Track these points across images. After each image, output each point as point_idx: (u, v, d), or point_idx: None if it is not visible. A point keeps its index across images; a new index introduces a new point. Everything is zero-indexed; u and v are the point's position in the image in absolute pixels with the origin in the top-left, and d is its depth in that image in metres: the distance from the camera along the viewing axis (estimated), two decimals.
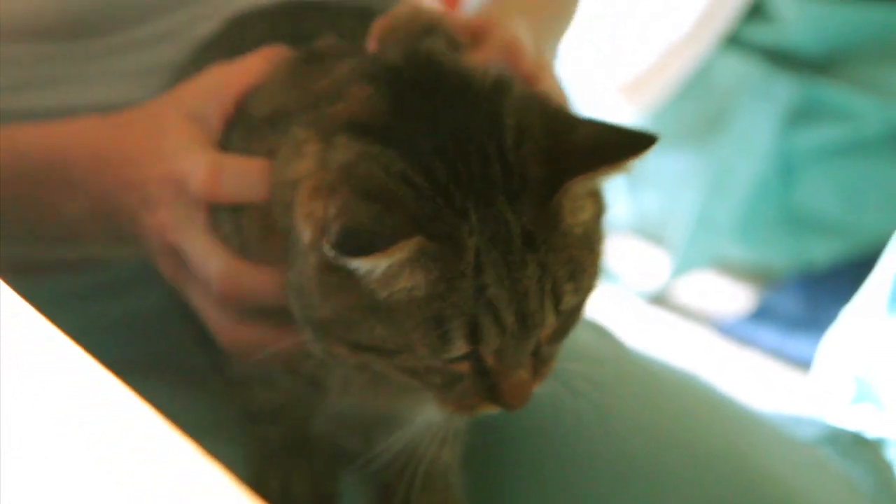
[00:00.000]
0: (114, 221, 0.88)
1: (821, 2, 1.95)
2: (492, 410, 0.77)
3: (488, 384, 0.74)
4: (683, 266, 2.10)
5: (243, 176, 0.81)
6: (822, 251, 2.08)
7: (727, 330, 2.03)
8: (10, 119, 0.98)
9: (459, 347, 0.71)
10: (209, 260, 0.82)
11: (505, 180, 0.70)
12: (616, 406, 0.98)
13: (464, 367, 0.73)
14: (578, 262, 0.72)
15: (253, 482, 0.88)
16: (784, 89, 1.99)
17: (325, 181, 0.72)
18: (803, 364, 1.83)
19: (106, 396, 0.60)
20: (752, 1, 1.97)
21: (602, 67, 2.13)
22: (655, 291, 2.13)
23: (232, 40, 0.99)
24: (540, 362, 0.75)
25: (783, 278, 2.12)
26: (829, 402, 1.56)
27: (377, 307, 0.71)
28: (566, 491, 0.96)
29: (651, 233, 2.24)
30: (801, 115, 2.02)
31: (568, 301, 0.72)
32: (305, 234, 0.73)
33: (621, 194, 2.24)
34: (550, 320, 0.72)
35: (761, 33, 2.00)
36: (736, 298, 2.12)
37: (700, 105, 2.07)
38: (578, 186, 0.71)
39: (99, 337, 0.80)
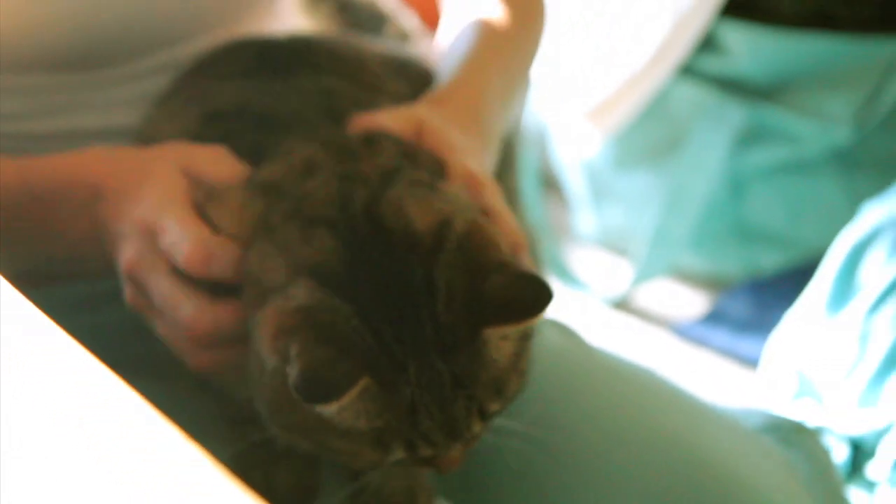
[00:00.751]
0: (105, 247, 0.89)
1: (766, 35, 1.99)
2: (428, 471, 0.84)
3: (426, 461, 0.80)
4: (643, 274, 2.11)
5: (225, 260, 0.83)
6: (769, 259, 2.11)
7: (683, 332, 2.06)
8: (24, 141, 1.02)
9: (399, 454, 0.78)
10: (179, 304, 0.84)
11: (436, 338, 0.76)
12: (574, 400, 1.02)
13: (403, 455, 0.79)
14: (503, 382, 0.78)
15: (236, 474, 0.91)
16: (734, 114, 2.03)
17: (287, 323, 0.77)
18: (752, 362, 1.87)
19: (106, 396, 0.59)
20: (705, 34, 2.01)
21: (569, 95, 2.17)
22: (618, 297, 2.15)
23: (212, 70, 1.01)
24: (472, 439, 0.80)
25: (734, 284, 2.15)
26: (773, 397, 1.61)
27: (331, 425, 0.77)
28: (522, 483, 0.98)
29: (615, 244, 2.27)
30: (750, 138, 2.05)
31: (493, 409, 0.79)
32: (270, 361, 0.77)
33: (588, 209, 2.28)
34: (477, 429, 0.78)
35: (713, 64, 2.04)
36: (691, 303, 2.15)
37: (658, 129, 2.10)
38: (492, 334, 0.76)
39: (93, 342, 0.82)
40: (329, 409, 0.75)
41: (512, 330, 0.77)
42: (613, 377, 1.07)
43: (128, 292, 0.88)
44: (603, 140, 2.16)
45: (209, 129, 0.96)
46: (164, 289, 0.85)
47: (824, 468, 1.07)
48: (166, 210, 0.85)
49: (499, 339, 0.77)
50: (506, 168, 1.10)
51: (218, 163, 0.88)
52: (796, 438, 1.09)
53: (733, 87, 2.05)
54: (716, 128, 2.04)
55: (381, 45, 1.13)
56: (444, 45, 1.11)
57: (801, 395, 1.60)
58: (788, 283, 1.76)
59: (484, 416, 0.79)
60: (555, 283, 2.09)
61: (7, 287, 0.68)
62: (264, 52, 1.02)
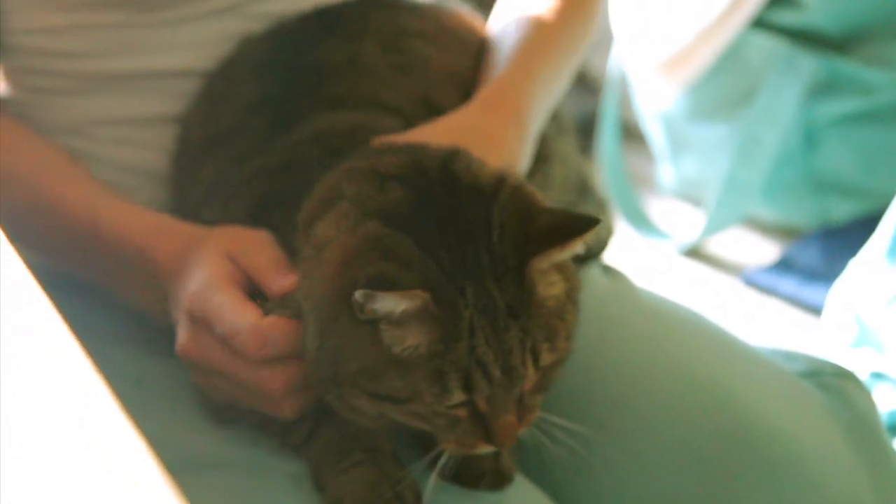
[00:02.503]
0: (166, 316, 0.94)
1: None
2: (485, 449, 0.84)
3: (482, 426, 0.82)
4: (715, 223, 2.12)
5: (281, 339, 0.86)
6: (841, 209, 2.11)
7: (751, 279, 2.07)
8: (90, 81, 1.05)
9: (457, 396, 0.80)
10: (239, 371, 0.87)
11: (492, 267, 0.81)
12: (613, 342, 1.04)
13: (462, 412, 0.82)
14: (552, 328, 0.82)
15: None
16: (807, 65, 2.02)
17: (352, 251, 0.82)
18: (818, 311, 1.85)
19: (106, 397, 0.60)
20: None
21: (645, 47, 2.17)
22: (691, 245, 2.17)
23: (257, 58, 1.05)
24: (524, 409, 0.83)
25: (805, 233, 2.15)
26: (833, 345, 1.62)
27: (393, 360, 0.80)
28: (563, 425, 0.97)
29: (692, 195, 2.29)
30: (823, 89, 2.04)
31: (545, 358, 0.82)
32: (332, 302, 0.82)
33: (667, 160, 2.30)
34: (531, 373, 0.82)
35: (786, 15, 2.03)
36: (763, 252, 2.15)
37: (732, 80, 2.10)
38: (540, 264, 0.82)
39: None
40: (393, 310, 0.78)
41: (557, 257, 0.82)
42: (655, 320, 1.09)
43: (192, 374, 0.93)
44: (678, 92, 2.17)
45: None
46: (241, 373, 0.88)
47: (864, 414, 1.06)
48: (213, 296, 0.88)
49: (546, 277, 0.83)
50: (557, 133, 1.14)
51: (261, 249, 0.91)
52: (837, 383, 1.09)
53: (806, 38, 2.04)
54: (788, 79, 2.03)
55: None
56: (495, 30, 1.13)
57: (861, 343, 1.61)
58: (859, 232, 1.72)
59: (536, 359, 0.82)
60: (630, 233, 2.14)
61: (6, 288, 0.68)
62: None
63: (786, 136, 2.07)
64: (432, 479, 0.87)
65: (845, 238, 1.89)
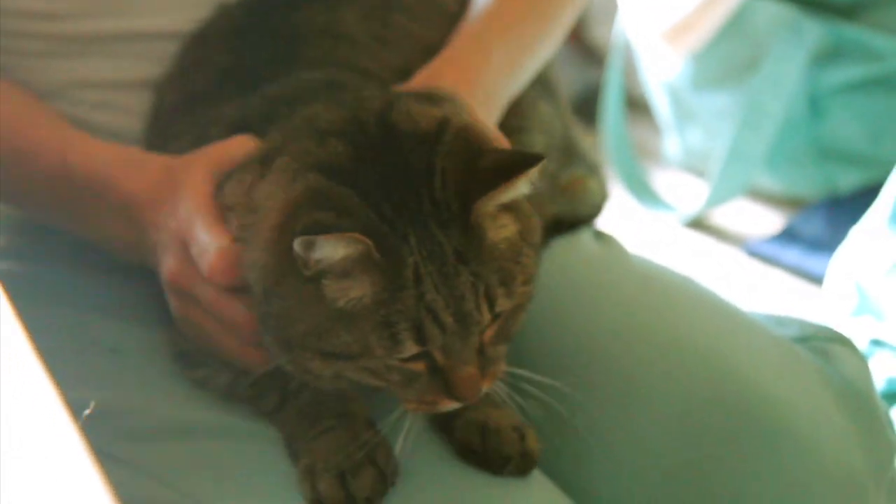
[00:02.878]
0: (144, 253, 0.94)
1: None
2: (448, 406, 0.83)
3: (442, 380, 0.81)
4: (719, 192, 2.11)
5: (242, 266, 0.86)
6: (847, 178, 2.10)
7: (754, 250, 2.06)
8: (70, 44, 1.04)
9: (409, 347, 0.79)
10: (225, 307, 0.87)
11: (436, 212, 0.80)
12: (604, 307, 1.03)
13: (419, 366, 0.81)
14: (507, 272, 0.81)
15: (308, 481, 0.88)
16: (812, 32, 2.01)
17: (290, 206, 0.81)
18: (822, 281, 1.80)
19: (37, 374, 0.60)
20: None
21: (648, 15, 2.16)
22: (694, 216, 2.16)
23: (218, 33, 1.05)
24: (486, 361, 0.82)
25: (810, 203, 2.14)
26: (834, 313, 1.60)
27: (340, 315, 0.79)
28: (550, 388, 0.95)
29: (697, 166, 2.28)
30: (828, 56, 2.04)
31: (502, 304, 0.81)
32: (276, 259, 0.81)
33: (672, 131, 2.29)
34: (487, 318, 0.80)
35: None
36: (767, 222, 2.14)
37: (736, 48, 2.10)
38: (485, 206, 0.81)
39: None
40: (333, 257, 0.77)
41: (502, 197, 0.81)
42: (647, 285, 1.08)
43: (173, 304, 0.92)
44: (683, 60, 2.16)
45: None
46: (209, 295, 0.89)
47: (857, 378, 1.06)
48: (194, 220, 0.89)
49: (496, 220, 0.82)
50: (540, 97, 1.13)
51: (242, 148, 0.91)
52: (830, 348, 1.08)
53: (812, 3, 2.04)
54: (793, 45, 2.03)
55: None
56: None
57: (861, 311, 1.60)
58: (865, 201, 1.69)
59: (492, 305, 0.81)
60: (634, 204, 2.13)
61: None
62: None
63: (791, 104, 2.06)
64: (400, 442, 0.86)
65: (851, 207, 1.86)
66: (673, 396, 0.98)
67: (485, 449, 0.90)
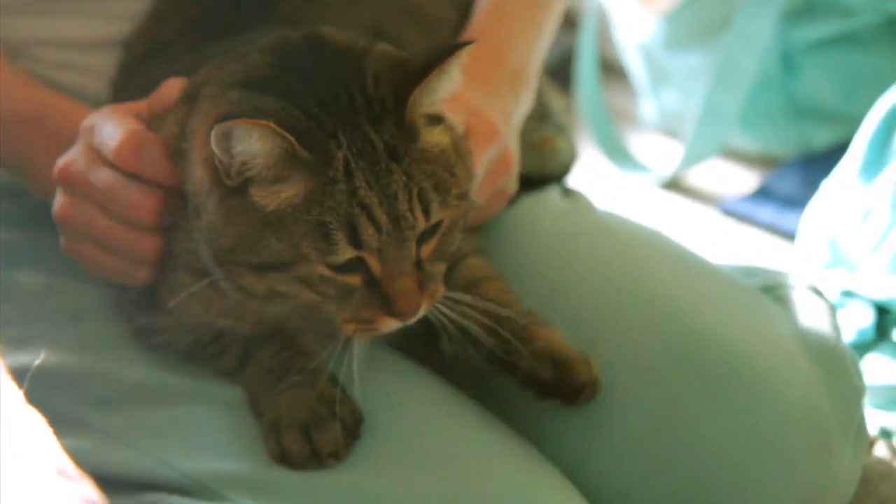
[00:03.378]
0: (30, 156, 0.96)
1: None
2: (387, 325, 0.82)
3: (379, 294, 0.81)
4: (694, 153, 2.10)
5: (156, 153, 0.87)
6: (821, 136, 2.10)
7: (729, 209, 2.06)
8: (40, 1, 1.04)
9: (343, 249, 0.78)
10: (123, 187, 0.86)
11: (367, 109, 0.80)
12: (571, 263, 1.03)
13: (355, 279, 0.81)
14: (441, 180, 0.81)
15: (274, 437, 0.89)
16: None
17: (218, 113, 0.80)
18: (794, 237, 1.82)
19: None
20: None
21: None
22: (669, 177, 2.15)
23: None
24: (425, 278, 0.82)
25: (784, 161, 2.13)
26: (807, 267, 1.61)
27: (269, 222, 0.79)
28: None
29: (672, 128, 2.27)
30: (800, 12, 2.03)
31: (436, 212, 0.81)
32: (203, 172, 0.81)
33: (647, 94, 2.29)
34: (421, 222, 0.80)
35: None
36: (743, 182, 2.13)
37: (708, 7, 2.09)
38: (419, 98, 0.81)
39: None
40: (255, 156, 0.77)
41: (434, 84, 0.82)
42: (612, 237, 1.08)
43: (59, 204, 0.91)
44: (656, 21, 2.15)
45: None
46: (106, 176, 0.88)
47: (822, 324, 1.06)
48: (106, 115, 0.89)
49: (427, 125, 0.82)
50: None
51: (173, 91, 0.91)
52: (796, 295, 1.09)
53: None
54: (765, 3, 2.01)
55: None
56: None
57: (834, 264, 1.60)
58: (839, 158, 1.68)
59: (427, 210, 0.81)
60: (610, 167, 2.12)
61: None
62: None
63: (764, 62, 2.05)
64: (355, 365, 0.86)
65: (825, 164, 1.83)
66: (637, 345, 0.98)
67: (557, 380, 0.91)
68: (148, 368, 0.96)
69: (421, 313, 0.83)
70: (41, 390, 0.77)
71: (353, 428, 0.88)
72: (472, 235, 0.99)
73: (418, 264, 0.82)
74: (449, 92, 0.83)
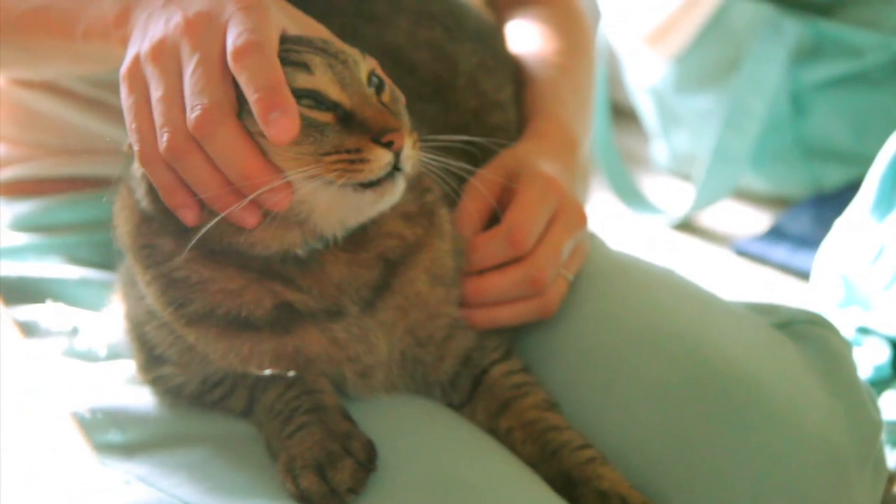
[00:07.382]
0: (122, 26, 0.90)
1: None
2: (378, 156, 0.82)
3: (356, 124, 0.82)
4: (705, 194, 2.11)
5: (273, 58, 0.83)
6: (832, 175, 2.11)
7: (742, 249, 2.06)
8: None
9: (300, 79, 0.82)
10: (210, 83, 0.81)
11: None
12: (585, 299, 1.03)
13: (326, 116, 0.83)
14: None
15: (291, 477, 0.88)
16: (792, 29, 2.03)
17: None
18: (809, 277, 1.80)
19: None
20: None
21: (630, 19, 2.17)
22: (681, 219, 2.16)
23: None
24: (391, 110, 0.85)
25: (796, 202, 2.14)
26: (821, 306, 1.61)
27: None
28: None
29: (684, 170, 2.29)
30: (809, 53, 2.05)
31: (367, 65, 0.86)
32: None
33: (659, 136, 2.31)
34: (359, 58, 0.86)
35: None
36: (755, 222, 2.14)
37: (718, 49, 2.11)
38: None
39: None
40: None
41: None
42: (629, 278, 1.09)
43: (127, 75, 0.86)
44: (666, 63, 2.17)
45: None
46: (217, 46, 0.83)
47: (839, 358, 1.06)
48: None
49: None
50: None
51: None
52: (811, 331, 1.09)
53: (790, 2, 2.07)
54: (773, 44, 2.05)
55: None
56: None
57: (848, 302, 1.60)
58: (850, 197, 1.69)
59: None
60: (623, 209, 2.13)
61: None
62: None
63: (774, 102, 2.09)
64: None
65: (837, 204, 1.87)
66: (654, 379, 0.99)
67: None
68: (168, 417, 0.96)
69: (408, 149, 0.84)
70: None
71: (366, 462, 0.88)
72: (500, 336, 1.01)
73: (378, 97, 0.85)
74: None
